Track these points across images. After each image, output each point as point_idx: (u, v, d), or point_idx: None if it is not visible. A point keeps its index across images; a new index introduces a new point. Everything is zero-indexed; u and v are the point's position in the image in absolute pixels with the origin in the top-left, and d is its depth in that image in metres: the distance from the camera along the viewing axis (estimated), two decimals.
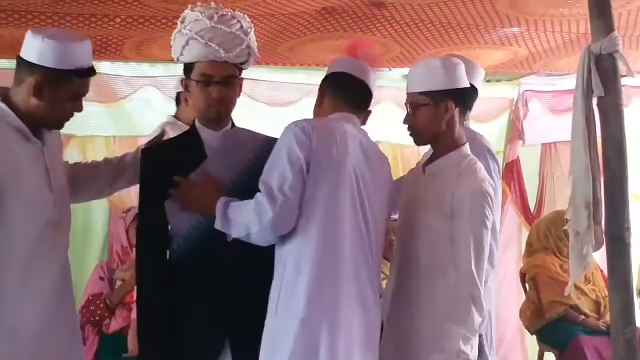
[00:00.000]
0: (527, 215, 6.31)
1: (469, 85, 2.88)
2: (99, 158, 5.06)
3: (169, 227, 2.72)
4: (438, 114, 2.76)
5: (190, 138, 2.84)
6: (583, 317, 5.01)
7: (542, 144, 6.57)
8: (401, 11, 3.93)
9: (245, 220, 2.57)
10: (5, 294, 2.43)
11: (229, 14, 2.76)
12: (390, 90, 5.28)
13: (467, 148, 2.84)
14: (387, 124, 4.80)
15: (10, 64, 4.86)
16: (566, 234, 4.71)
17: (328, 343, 2.56)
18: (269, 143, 2.81)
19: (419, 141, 2.87)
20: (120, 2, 3.52)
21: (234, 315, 2.70)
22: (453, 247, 2.67)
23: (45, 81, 2.47)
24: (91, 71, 2.59)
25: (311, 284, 2.57)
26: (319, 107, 2.89)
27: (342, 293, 2.62)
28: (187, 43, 2.72)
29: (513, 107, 6.38)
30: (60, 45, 2.48)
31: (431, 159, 2.86)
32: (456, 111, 2.79)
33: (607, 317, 4.99)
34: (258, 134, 2.94)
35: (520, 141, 6.32)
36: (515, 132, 6.32)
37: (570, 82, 5.86)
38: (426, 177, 2.84)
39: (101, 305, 4.55)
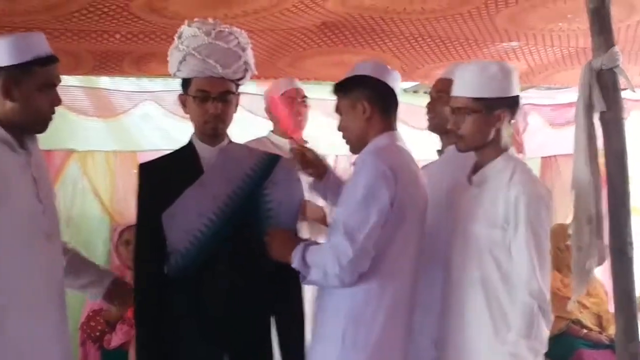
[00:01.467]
0: None
1: (518, 93, 2.73)
2: (100, 173, 5.17)
3: (167, 242, 2.71)
4: (489, 123, 2.65)
5: (186, 153, 2.83)
6: (585, 331, 4.99)
7: (542, 157, 6.58)
8: (400, 26, 3.93)
9: (323, 261, 2.55)
10: None
11: (226, 30, 2.76)
12: None
13: (513, 151, 2.73)
14: None
15: None
16: (568, 248, 4.72)
17: None
18: (267, 159, 2.81)
19: (462, 147, 2.73)
20: (120, 18, 3.52)
21: (231, 331, 2.69)
22: (512, 258, 2.54)
23: (9, 80, 2.46)
24: (52, 58, 2.56)
25: (386, 319, 2.61)
26: (367, 122, 2.77)
27: (407, 329, 2.71)
28: (184, 59, 2.72)
29: (513, 121, 6.38)
30: (11, 41, 2.48)
31: (475, 167, 2.74)
32: (507, 120, 2.68)
33: (610, 331, 5.01)
34: (255, 149, 2.94)
35: (520, 154, 6.32)
36: (515, 145, 6.31)
37: (569, 95, 5.89)
38: (473, 188, 2.71)
39: (101, 320, 4.54)
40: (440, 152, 3.34)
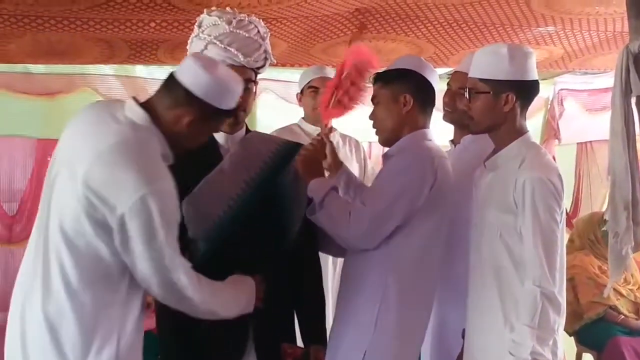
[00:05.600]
0: None
1: (536, 78, 2.67)
2: None
3: (187, 229, 2.73)
4: (497, 105, 2.59)
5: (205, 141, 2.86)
6: (623, 317, 4.96)
7: (578, 143, 6.52)
8: (435, 12, 3.92)
9: (337, 219, 2.62)
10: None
11: (246, 19, 2.77)
12: None
13: (528, 137, 2.66)
14: None
15: (46, 68, 4.96)
16: (604, 235, 4.69)
17: None
18: (285, 147, 2.82)
19: (473, 129, 2.71)
20: (155, 7, 3.55)
21: (255, 314, 2.71)
22: (522, 243, 2.50)
23: (202, 117, 2.35)
24: (235, 110, 2.50)
25: (416, 306, 2.70)
26: (405, 115, 2.77)
27: (429, 310, 2.81)
28: (205, 47, 2.73)
29: (549, 106, 6.34)
30: (229, 87, 2.38)
31: (492, 152, 2.69)
32: (517, 104, 2.61)
33: None
34: (275, 137, 2.97)
35: (556, 140, 6.27)
36: (550, 131, 6.28)
37: (606, 80, 5.82)
38: (488, 173, 2.67)
39: None
40: (452, 142, 3.33)
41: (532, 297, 2.43)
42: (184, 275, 2.25)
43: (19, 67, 4.91)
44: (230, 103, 2.40)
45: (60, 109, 5.06)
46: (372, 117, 2.86)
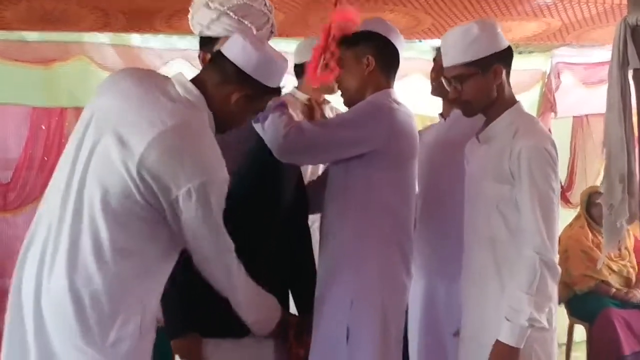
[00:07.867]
0: None
1: (509, 44, 2.67)
2: None
3: None
4: (488, 81, 2.60)
5: None
6: (615, 290, 5.00)
7: (574, 117, 6.53)
8: None
9: (280, 126, 2.66)
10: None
11: None
12: (420, 62, 5.24)
13: (520, 106, 2.67)
14: (416, 97, 4.78)
15: (41, 36, 4.93)
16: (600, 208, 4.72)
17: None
18: None
19: (470, 113, 2.68)
20: None
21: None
22: (518, 213, 2.50)
23: (250, 95, 2.33)
24: (280, 90, 2.47)
25: (393, 262, 2.76)
26: (368, 76, 2.82)
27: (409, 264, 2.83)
28: (217, 18, 2.71)
29: (545, 79, 6.33)
30: (278, 65, 2.37)
31: (484, 125, 2.69)
32: (504, 73, 2.61)
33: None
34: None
35: (552, 113, 6.27)
36: (547, 104, 6.27)
37: (603, 53, 5.81)
38: (481, 146, 2.67)
39: None
40: (441, 115, 3.33)
41: (531, 264, 2.43)
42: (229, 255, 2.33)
43: (14, 35, 4.88)
44: (277, 81, 2.39)
45: (55, 77, 5.05)
46: (337, 79, 2.89)
